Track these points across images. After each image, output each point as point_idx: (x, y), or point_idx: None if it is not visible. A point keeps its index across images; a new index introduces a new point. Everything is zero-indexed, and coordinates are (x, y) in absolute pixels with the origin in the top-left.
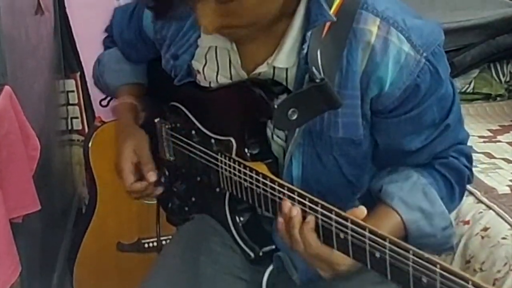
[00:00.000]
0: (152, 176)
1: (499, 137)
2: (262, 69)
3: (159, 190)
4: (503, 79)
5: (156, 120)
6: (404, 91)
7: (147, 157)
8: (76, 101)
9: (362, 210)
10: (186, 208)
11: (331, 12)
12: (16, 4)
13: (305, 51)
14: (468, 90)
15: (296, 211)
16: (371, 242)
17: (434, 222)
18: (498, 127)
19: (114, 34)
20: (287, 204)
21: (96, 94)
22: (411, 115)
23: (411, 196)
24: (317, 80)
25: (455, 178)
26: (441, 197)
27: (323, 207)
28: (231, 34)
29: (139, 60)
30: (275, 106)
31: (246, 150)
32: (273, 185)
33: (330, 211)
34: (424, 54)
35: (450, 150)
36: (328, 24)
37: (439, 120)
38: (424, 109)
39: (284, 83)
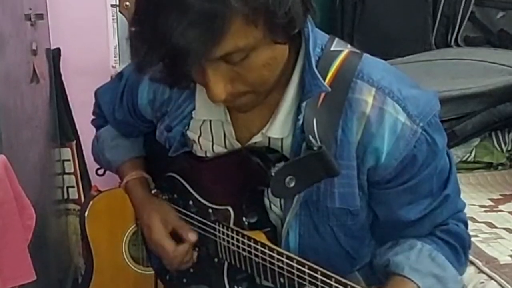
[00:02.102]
0: (193, 236)
1: (500, 207)
2: (257, 139)
3: (195, 254)
4: (504, 148)
5: (153, 192)
6: (401, 162)
7: (179, 221)
8: (72, 170)
9: None
10: (184, 280)
11: (326, 81)
12: (12, 73)
13: (300, 121)
14: (469, 159)
15: None
16: None
17: (448, 285)
18: (500, 197)
19: (106, 114)
20: None
21: (92, 163)
22: (409, 186)
23: (420, 264)
24: (315, 148)
25: (458, 243)
26: (450, 262)
27: (322, 274)
28: (234, 102)
29: (136, 135)
30: (272, 174)
31: (244, 219)
32: (272, 253)
33: (330, 278)
34: (421, 124)
35: (449, 218)
36: (323, 93)
37: (437, 190)
38: (421, 179)
39: (280, 151)
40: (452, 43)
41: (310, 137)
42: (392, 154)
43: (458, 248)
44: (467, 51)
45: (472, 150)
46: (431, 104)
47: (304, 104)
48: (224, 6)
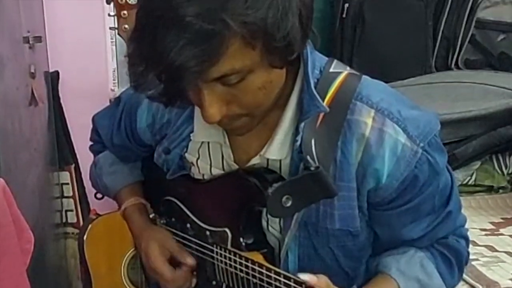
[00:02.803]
0: (191, 260)
1: (501, 230)
2: (255, 161)
3: (194, 279)
4: (505, 171)
5: (151, 216)
6: (402, 183)
7: (176, 246)
8: (71, 194)
9: None
10: None
11: (325, 102)
12: (10, 96)
13: (298, 142)
14: (469, 182)
15: None
16: None
17: None
18: (501, 220)
19: (104, 139)
20: None
21: (91, 187)
22: (410, 206)
23: (408, 268)
24: (312, 168)
25: (454, 257)
26: (440, 272)
27: None
28: (230, 124)
29: (134, 159)
30: (269, 194)
31: (241, 240)
32: (269, 273)
33: None
34: (421, 145)
35: (450, 234)
36: (322, 114)
37: (439, 207)
38: (423, 198)
39: (278, 172)
40: (453, 65)
41: (308, 158)
42: (393, 175)
43: (453, 261)
44: (468, 74)
45: (472, 173)
46: (431, 124)
47: (302, 125)
48: (223, 27)
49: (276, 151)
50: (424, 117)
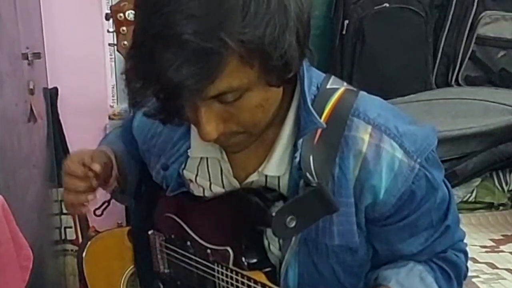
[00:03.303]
0: (96, 166)
1: (502, 247)
2: (254, 177)
3: (92, 197)
4: (506, 188)
5: (149, 233)
6: (399, 199)
7: (101, 158)
8: None
9: None
10: None
11: (322, 119)
12: (9, 112)
13: (297, 159)
14: (470, 199)
15: None
16: None
17: None
18: (501, 237)
19: (125, 121)
20: None
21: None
22: (408, 221)
23: (408, 280)
24: (314, 185)
25: (453, 271)
26: (439, 285)
27: None
28: (226, 142)
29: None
30: (273, 214)
31: (243, 259)
32: None
33: None
34: (418, 160)
35: (449, 248)
36: (319, 130)
37: (437, 221)
38: (421, 214)
39: (277, 189)
40: (453, 82)
41: (307, 174)
42: (390, 191)
43: (452, 275)
44: (468, 91)
45: (473, 190)
46: (428, 139)
47: (300, 141)
48: (220, 46)
49: (275, 167)
50: (421, 132)
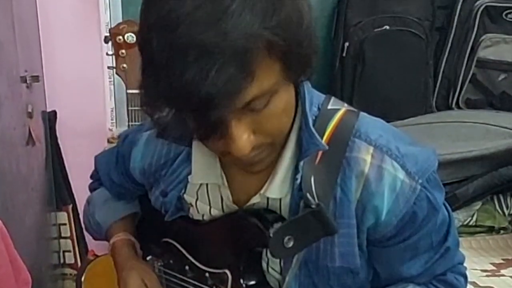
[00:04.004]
0: None
1: (502, 271)
2: (255, 200)
3: None
4: (506, 212)
5: (148, 258)
6: (401, 220)
7: (155, 281)
8: (69, 234)
9: None
10: None
11: (323, 140)
12: (7, 135)
13: (298, 181)
14: (470, 223)
15: None
16: None
17: None
18: (502, 261)
19: (101, 175)
20: None
21: None
22: (409, 243)
23: None
24: (313, 206)
25: None
26: None
27: None
28: (256, 157)
29: (129, 197)
30: (271, 235)
31: (241, 281)
32: None
33: None
34: (420, 181)
35: (448, 271)
36: (321, 151)
37: (437, 243)
38: (422, 235)
39: (278, 212)
40: (453, 105)
41: (308, 195)
42: (392, 211)
43: None
44: (469, 114)
45: (473, 214)
46: (430, 160)
47: (302, 163)
48: (251, 43)
49: (277, 189)
50: (422, 153)
